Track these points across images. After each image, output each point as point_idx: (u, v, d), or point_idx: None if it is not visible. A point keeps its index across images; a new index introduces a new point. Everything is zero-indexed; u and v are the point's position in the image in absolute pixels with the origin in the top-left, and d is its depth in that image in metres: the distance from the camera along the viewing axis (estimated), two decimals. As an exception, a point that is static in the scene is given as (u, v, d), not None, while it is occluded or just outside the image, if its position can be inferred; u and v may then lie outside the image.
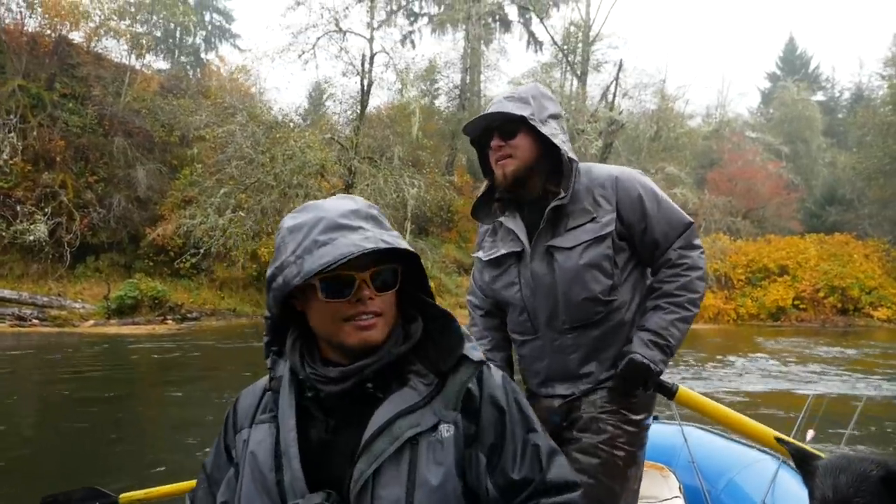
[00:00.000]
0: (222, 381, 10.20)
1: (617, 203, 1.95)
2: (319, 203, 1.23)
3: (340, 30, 20.44)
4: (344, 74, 20.70)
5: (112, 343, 14.80)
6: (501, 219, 2.03)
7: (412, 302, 1.28)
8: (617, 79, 27.91)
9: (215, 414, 7.37)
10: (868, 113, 34.20)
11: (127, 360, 12.81)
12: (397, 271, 1.20)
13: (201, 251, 18.57)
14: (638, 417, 1.95)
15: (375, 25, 21.56)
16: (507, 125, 1.95)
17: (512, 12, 38.23)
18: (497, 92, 31.98)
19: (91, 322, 17.89)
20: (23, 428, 7.04)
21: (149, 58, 28.71)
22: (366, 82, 20.02)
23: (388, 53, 21.39)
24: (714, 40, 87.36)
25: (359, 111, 21.09)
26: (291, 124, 20.24)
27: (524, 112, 1.92)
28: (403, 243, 1.18)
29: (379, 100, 22.50)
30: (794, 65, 53.21)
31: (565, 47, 31.42)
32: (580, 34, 31.56)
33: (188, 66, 37.84)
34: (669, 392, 1.92)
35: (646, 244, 1.97)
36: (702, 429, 3.52)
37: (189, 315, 19.79)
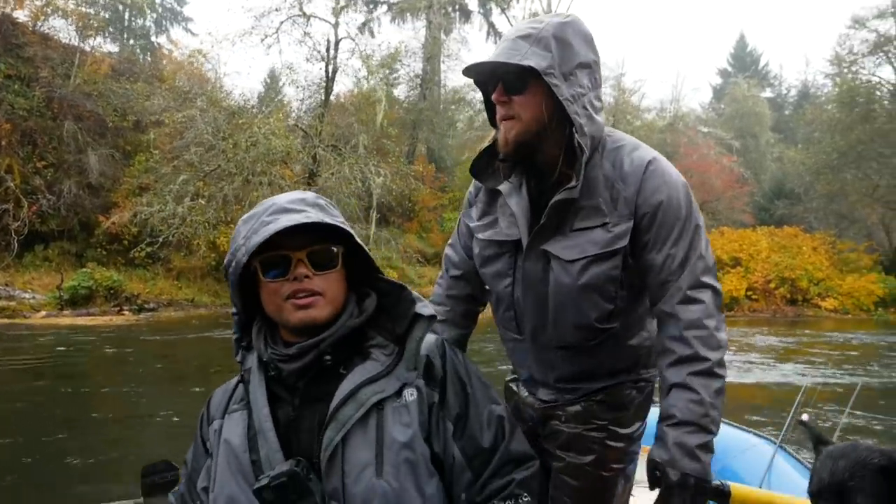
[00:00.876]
0: (183, 374, 9.87)
1: (637, 207, 1.50)
2: (274, 197, 1.30)
3: (304, 14, 19.99)
4: (307, 60, 20.29)
5: (65, 335, 14.22)
6: (502, 187, 1.62)
7: (366, 281, 1.32)
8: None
9: (177, 408, 7.14)
10: (816, 110, 35.36)
11: (82, 352, 12.32)
12: (337, 252, 1.24)
13: (159, 240, 17.98)
14: (627, 431, 1.66)
15: (339, 9, 21.20)
16: (515, 75, 1.48)
17: (472, 2, 38.27)
18: (460, 81, 31.95)
19: (43, 313, 17.17)
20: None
21: (97, 40, 27.70)
22: (330, 68, 19.62)
23: (353, 39, 21.06)
24: (669, 36, 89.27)
25: (321, 98, 20.70)
26: (254, 110, 19.69)
27: (540, 61, 1.43)
28: (340, 224, 1.22)
29: (342, 87, 22.06)
30: (744, 62, 54.63)
31: (527, 39, 31.39)
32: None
33: (138, 50, 36.66)
34: (724, 496, 1.58)
35: (644, 262, 1.54)
36: None
37: (146, 306, 19.20)
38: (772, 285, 27.23)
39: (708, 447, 1.42)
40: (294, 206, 1.22)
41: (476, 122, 34.08)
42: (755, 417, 7.23)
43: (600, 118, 1.54)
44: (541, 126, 1.50)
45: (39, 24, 24.54)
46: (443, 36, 34.20)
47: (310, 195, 1.28)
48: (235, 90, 22.90)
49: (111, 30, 34.88)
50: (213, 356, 12.07)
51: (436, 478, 1.20)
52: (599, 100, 1.55)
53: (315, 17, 20.35)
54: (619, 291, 1.55)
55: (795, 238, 30.00)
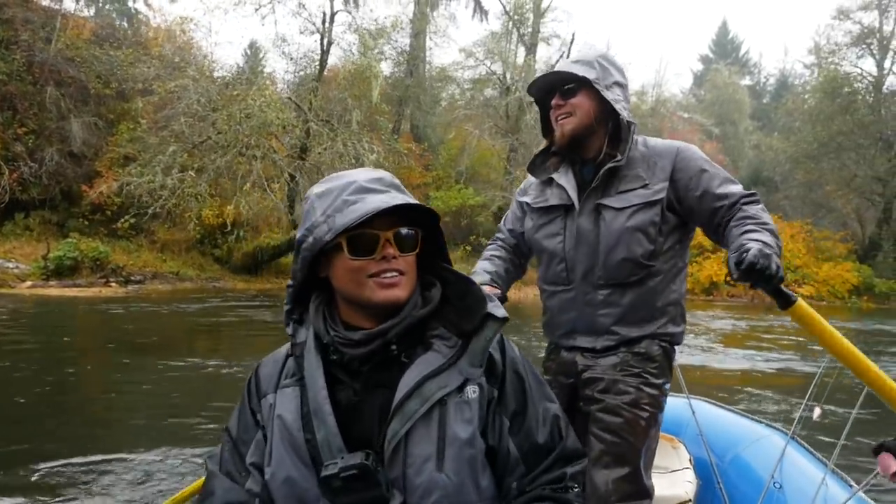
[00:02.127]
0: (179, 349, 9.70)
1: (673, 173, 2.00)
2: (346, 172, 1.29)
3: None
4: (301, 32, 19.89)
5: (57, 306, 13.98)
6: (554, 175, 2.12)
7: (429, 269, 1.33)
8: (569, 52, 28.06)
9: (177, 387, 7.06)
10: (797, 100, 35.86)
11: (77, 324, 12.14)
12: (418, 234, 1.25)
13: (148, 212, 17.65)
14: (658, 381, 2.01)
15: None
16: (569, 85, 2.03)
17: (459, -21, 37.82)
18: (447, 59, 31.61)
19: (28, 283, 16.81)
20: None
21: (70, 3, 26.80)
22: (325, 41, 19.29)
23: (349, 12, 20.69)
24: (653, 20, 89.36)
25: (313, 71, 20.36)
26: (247, 81, 19.28)
27: (588, 74, 1.99)
28: (430, 208, 1.25)
29: (334, 60, 21.70)
30: (725, 49, 55.14)
31: (515, 17, 31.31)
32: (531, 4, 31.52)
33: (114, 15, 35.63)
34: (788, 300, 1.62)
35: (704, 210, 1.99)
36: (710, 402, 3.52)
37: (132, 278, 18.90)
38: (751, 271, 27.69)
39: (779, 266, 1.65)
40: (375, 186, 1.22)
41: (460, 101, 33.99)
42: (761, 406, 7.38)
43: (631, 119, 2.05)
44: (590, 121, 2.02)
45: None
46: (430, 12, 33.79)
47: (386, 175, 1.29)
48: (228, 60, 22.37)
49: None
50: (221, 333, 11.98)
51: (489, 470, 1.23)
52: (627, 109, 2.06)
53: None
54: (658, 236, 2.00)
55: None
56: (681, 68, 79.44)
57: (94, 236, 20.91)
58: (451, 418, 1.18)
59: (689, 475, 2.79)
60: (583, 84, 2.00)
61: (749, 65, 56.13)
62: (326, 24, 19.52)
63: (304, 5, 19.69)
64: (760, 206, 1.93)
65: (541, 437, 1.28)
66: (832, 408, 5.51)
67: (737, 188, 1.99)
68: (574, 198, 2.05)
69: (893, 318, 21.59)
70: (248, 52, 36.17)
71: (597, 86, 1.98)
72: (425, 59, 34.05)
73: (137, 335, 10.81)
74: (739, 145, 45.10)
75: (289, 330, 1.31)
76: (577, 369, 2.07)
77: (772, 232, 1.79)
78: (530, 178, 2.28)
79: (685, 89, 53.74)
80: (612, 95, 1.99)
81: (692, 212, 2.02)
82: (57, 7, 24.04)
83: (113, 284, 17.94)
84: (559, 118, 2.05)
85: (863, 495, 2.40)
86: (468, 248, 25.15)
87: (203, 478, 1.40)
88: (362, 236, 1.20)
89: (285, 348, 1.34)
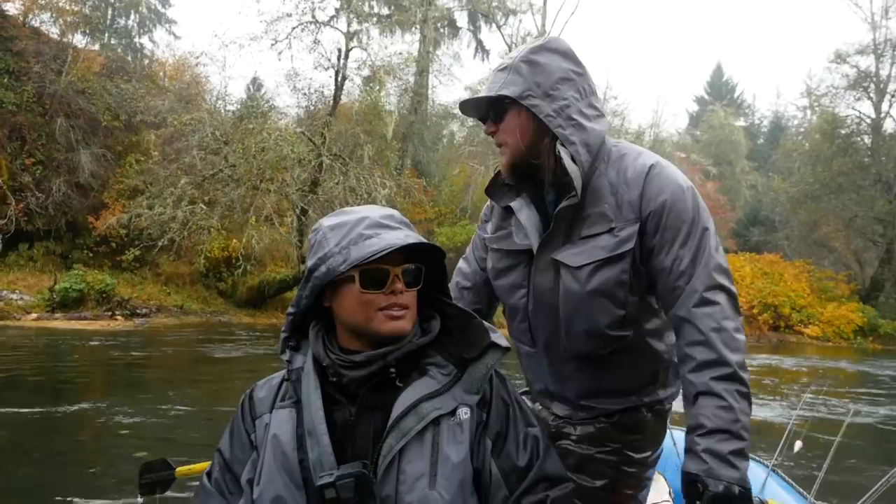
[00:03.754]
0: (189, 388, 9.43)
1: (641, 208, 1.52)
2: (357, 208, 1.33)
3: (317, 21, 19.77)
4: (315, 68, 20.00)
5: (65, 339, 13.68)
6: (513, 204, 1.66)
7: (429, 302, 1.37)
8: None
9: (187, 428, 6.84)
10: (797, 141, 36.37)
11: (89, 359, 11.83)
12: (422, 270, 1.30)
13: (158, 244, 17.48)
14: (641, 456, 1.65)
15: (325, 19, 20.95)
16: (496, 105, 1.60)
17: (461, 19, 38.43)
18: (451, 97, 31.97)
19: (34, 315, 16.51)
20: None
21: (78, 37, 26.94)
22: (339, 76, 19.40)
23: (364, 49, 20.90)
24: (650, 61, 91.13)
25: (325, 105, 20.42)
26: (262, 115, 19.32)
27: (512, 90, 1.54)
28: (439, 246, 1.31)
29: (347, 96, 21.77)
30: (720, 90, 56.04)
31: (521, 58, 31.68)
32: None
33: (119, 49, 35.90)
34: None
35: (654, 267, 1.54)
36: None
37: (138, 311, 18.61)
38: (755, 311, 27.73)
39: (743, 454, 1.37)
40: (389, 223, 1.28)
41: (459, 136, 34.16)
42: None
43: (596, 124, 1.57)
44: (527, 145, 1.57)
45: (31, 17, 23.90)
46: (434, 51, 34.23)
47: (396, 212, 1.34)
48: (241, 94, 22.43)
49: (90, 29, 34.18)
50: (231, 371, 11.74)
51: (475, 495, 1.24)
52: (593, 107, 1.58)
53: (328, 24, 20.12)
54: (630, 297, 1.54)
55: (776, 265, 30.66)
56: (677, 109, 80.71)
57: (98, 268, 20.66)
58: (445, 439, 1.21)
59: None
60: (509, 102, 1.56)
61: (743, 106, 57.02)
62: (341, 60, 19.66)
63: (319, 41, 19.91)
64: (720, 308, 1.44)
65: (521, 460, 1.28)
66: (817, 434, 5.39)
67: (699, 272, 1.47)
68: (534, 244, 1.61)
69: (900, 359, 21.56)
70: (251, 87, 36.46)
71: (527, 101, 1.53)
72: (428, 97, 34.43)
73: (148, 370, 10.56)
74: (736, 185, 45.53)
75: (285, 356, 1.34)
76: (549, 428, 1.72)
77: (734, 379, 1.39)
78: (489, 203, 1.83)
79: (681, 129, 54.53)
80: (551, 107, 1.52)
81: (647, 277, 1.56)
82: (68, 40, 24.16)
83: (119, 318, 17.65)
84: (497, 146, 1.64)
85: None
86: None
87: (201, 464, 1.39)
88: (375, 271, 1.24)
89: (280, 374, 1.37)
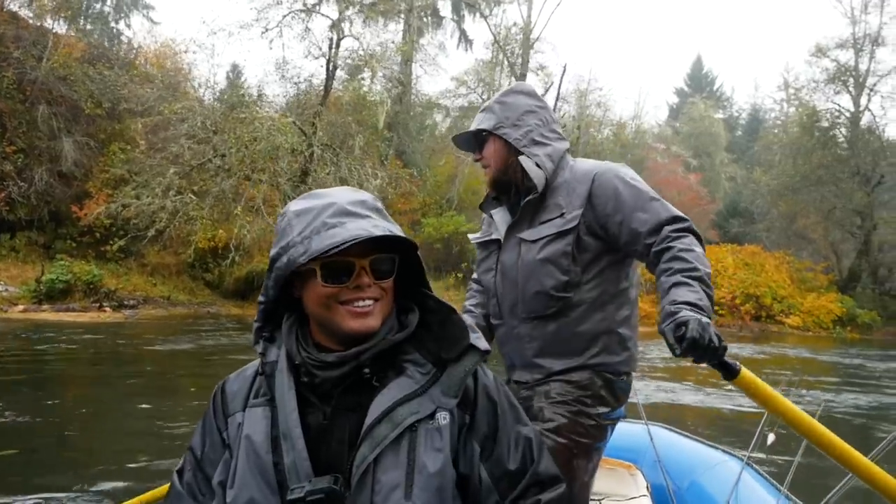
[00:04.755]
0: (188, 383, 9.37)
1: (589, 198, 1.95)
2: (327, 191, 1.25)
3: (308, 9, 19.48)
4: (306, 56, 19.75)
5: (57, 332, 13.44)
6: (493, 211, 2.14)
7: (409, 294, 1.29)
8: (560, 83, 28.45)
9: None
10: (778, 134, 36.85)
11: (84, 352, 11.66)
12: (395, 261, 1.22)
13: (148, 234, 17.22)
14: (588, 410, 1.90)
15: (311, 4, 20.63)
16: (478, 137, 2.11)
17: (444, 9, 38.26)
18: (437, 87, 31.81)
19: (20, 307, 16.20)
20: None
21: (58, 23, 26.31)
22: (331, 65, 19.17)
23: (356, 38, 20.68)
24: (631, 53, 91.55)
25: (316, 95, 20.21)
26: (263, 103, 19.06)
27: (487, 124, 2.06)
28: (408, 238, 1.20)
29: (336, 85, 21.50)
30: (700, 83, 56.45)
31: (507, 48, 31.71)
32: (520, 35, 31.97)
33: (96, 35, 35.14)
34: (732, 371, 1.58)
35: (627, 234, 1.89)
36: (668, 429, 3.59)
37: (126, 302, 18.35)
38: (738, 301, 28.13)
39: (709, 317, 1.60)
40: (357, 210, 1.19)
41: (443, 126, 34.12)
42: (719, 433, 7.31)
43: (556, 143, 2.06)
44: (502, 164, 2.05)
45: (9, 1, 23.28)
46: (416, 39, 34.03)
47: (368, 197, 1.25)
48: (224, 83, 22.10)
49: (71, 14, 33.41)
50: (222, 362, 11.64)
51: (459, 501, 1.20)
52: (554, 131, 2.07)
53: (318, 12, 19.86)
54: (572, 266, 1.94)
55: (757, 256, 31.11)
56: (658, 101, 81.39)
57: (82, 259, 20.31)
58: (422, 446, 1.15)
59: (646, 502, 2.82)
60: (488, 133, 2.06)
61: (722, 99, 57.57)
62: (332, 49, 19.44)
63: (310, 30, 19.66)
64: (689, 238, 1.80)
65: (512, 463, 1.23)
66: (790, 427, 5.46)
67: (660, 213, 1.86)
68: (502, 233, 2.08)
69: (877, 348, 22.05)
70: (231, 74, 35.93)
71: (499, 131, 2.03)
72: (412, 87, 34.26)
73: (147, 364, 10.43)
74: (716, 177, 46.02)
75: (258, 348, 1.27)
76: (520, 401, 1.96)
77: (703, 280, 1.69)
78: (484, 216, 2.30)
79: (662, 121, 54.94)
80: (517, 133, 2.02)
81: (618, 239, 1.92)
82: (48, 26, 23.61)
83: (107, 309, 17.38)
84: (483, 168, 2.13)
85: None
86: (459, 275, 25.04)
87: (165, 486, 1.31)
88: (337, 263, 1.16)
89: (253, 366, 1.29)
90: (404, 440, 1.14)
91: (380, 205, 1.25)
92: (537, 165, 1.99)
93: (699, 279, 1.69)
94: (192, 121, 17.59)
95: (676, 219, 1.85)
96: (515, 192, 2.08)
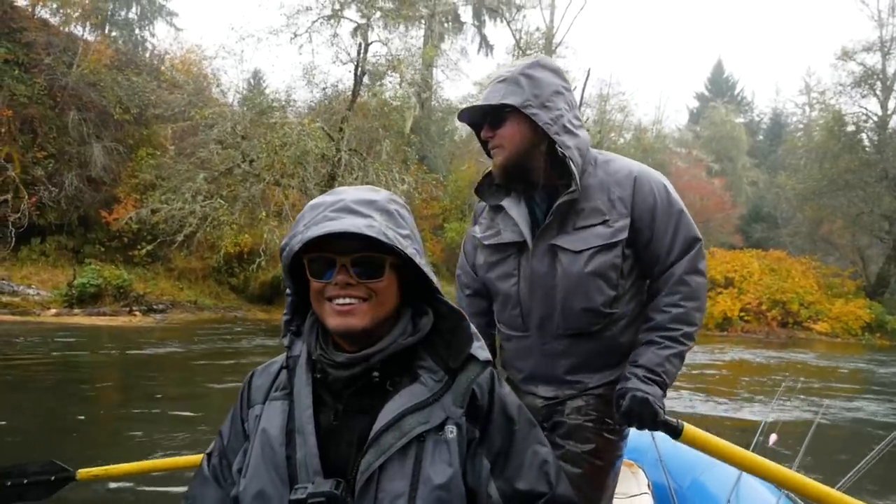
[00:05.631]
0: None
1: (632, 207, 1.80)
2: (347, 188, 1.24)
3: (337, 14, 19.56)
4: (334, 62, 19.82)
5: (97, 336, 13.53)
6: (504, 202, 1.89)
7: (425, 297, 1.27)
8: (584, 89, 28.36)
9: None
10: (802, 139, 36.46)
11: (128, 357, 11.70)
12: (384, 262, 1.17)
13: (178, 238, 17.34)
14: (620, 427, 1.87)
15: (338, 7, 20.65)
16: (496, 112, 1.81)
17: (465, 14, 38.30)
18: (459, 92, 31.88)
19: (53, 311, 16.34)
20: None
21: (80, 29, 26.62)
22: (359, 70, 19.23)
23: (384, 43, 20.74)
24: (651, 57, 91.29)
25: (343, 100, 20.29)
26: (288, 109, 19.15)
27: (513, 99, 1.76)
28: (400, 242, 1.15)
29: (362, 91, 21.55)
30: (721, 87, 56.07)
31: (529, 52, 31.66)
32: (542, 40, 31.94)
33: (121, 42, 35.55)
34: (675, 431, 1.75)
35: (648, 255, 1.83)
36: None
37: (155, 307, 18.46)
38: (764, 307, 27.82)
39: (660, 386, 1.72)
40: (359, 209, 1.16)
41: (463, 132, 34.13)
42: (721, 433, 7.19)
43: (583, 133, 1.83)
44: (523, 150, 1.79)
45: (39, 8, 23.59)
46: (438, 45, 34.08)
47: (383, 197, 1.22)
48: (245, 89, 22.18)
49: (100, 20, 33.83)
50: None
51: None
52: (578, 118, 1.84)
53: (343, 17, 19.92)
54: (620, 280, 1.81)
55: (783, 262, 30.78)
56: (679, 105, 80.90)
57: (110, 263, 20.47)
58: (428, 458, 1.13)
59: (647, 500, 2.82)
60: (510, 109, 1.77)
61: (743, 103, 57.12)
62: (361, 54, 19.50)
63: (338, 35, 19.75)
64: (695, 282, 1.80)
65: (525, 483, 1.20)
66: (791, 429, 5.28)
67: (680, 240, 1.81)
68: (527, 235, 1.83)
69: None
70: (252, 80, 36.16)
71: (528, 110, 1.75)
72: (433, 91, 34.29)
73: (195, 367, 10.46)
74: (738, 182, 45.66)
75: (285, 341, 1.28)
76: (539, 413, 1.87)
77: (678, 340, 1.76)
78: (481, 204, 2.04)
79: (682, 126, 54.59)
80: (548, 116, 1.75)
81: (640, 250, 1.85)
82: (77, 32, 23.91)
83: (137, 313, 17.50)
84: (491, 149, 1.85)
85: None
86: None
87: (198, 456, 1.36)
88: (321, 258, 1.17)
89: (280, 359, 1.30)
90: (411, 450, 1.13)
91: (394, 207, 1.21)
92: (569, 159, 1.76)
93: (676, 341, 1.75)
94: (223, 126, 17.68)
95: (695, 241, 1.82)
96: (531, 186, 1.84)
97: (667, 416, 1.73)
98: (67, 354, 10.96)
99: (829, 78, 35.09)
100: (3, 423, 6.16)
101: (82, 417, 6.60)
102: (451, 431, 1.16)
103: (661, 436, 3.20)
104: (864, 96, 32.17)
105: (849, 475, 2.56)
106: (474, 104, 1.85)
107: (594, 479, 1.80)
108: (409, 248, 1.16)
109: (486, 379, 1.24)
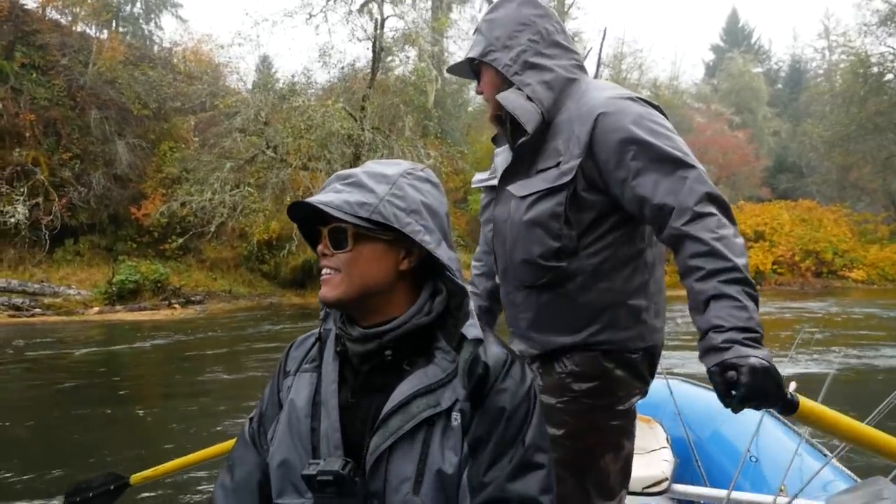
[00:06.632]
0: None
1: (591, 145, 1.53)
2: (373, 163, 1.24)
3: (350, -8, 19.30)
4: (350, 40, 19.60)
5: (145, 332, 13.67)
6: (497, 150, 1.86)
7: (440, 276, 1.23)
8: (601, 50, 27.85)
9: None
10: (825, 84, 35.67)
11: (184, 352, 11.82)
12: (348, 232, 1.14)
13: (211, 229, 17.44)
14: (603, 402, 1.62)
15: None
16: (474, 66, 1.73)
17: (473, -19, 37.68)
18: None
19: (96, 309, 16.56)
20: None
21: (95, 27, 26.57)
22: (378, 46, 19.00)
23: (401, 17, 20.43)
24: (663, 11, 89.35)
25: (362, 79, 20.12)
26: (311, 91, 19.04)
27: (474, 51, 1.67)
28: (396, 217, 1.13)
29: (381, 67, 21.35)
30: (737, 37, 54.76)
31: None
32: (554, 2, 31.41)
33: (128, 37, 35.55)
34: (791, 405, 1.38)
35: (630, 201, 1.52)
36: (687, 381, 3.60)
37: (192, 298, 18.64)
38: (797, 258, 27.49)
39: (763, 346, 1.33)
40: (362, 181, 1.15)
41: (476, 103, 33.72)
42: None
43: (560, 61, 1.65)
44: (496, 98, 1.64)
45: (49, 10, 23.56)
46: (451, 17, 33.64)
47: (397, 170, 1.20)
48: (280, 72, 22.09)
49: (110, 16, 33.79)
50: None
51: (468, 502, 1.13)
52: (557, 45, 1.66)
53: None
54: (565, 230, 1.56)
55: (814, 211, 30.32)
56: (695, 59, 79.29)
57: (143, 258, 20.69)
58: (436, 442, 1.11)
59: (667, 454, 2.76)
60: (480, 61, 1.68)
61: (760, 52, 55.85)
62: (377, 30, 19.27)
63: (353, 11, 19.46)
64: (716, 217, 1.42)
65: (487, 477, 1.12)
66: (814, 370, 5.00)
67: (681, 183, 1.46)
68: (498, 178, 1.73)
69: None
70: (262, 66, 35.98)
71: (489, 58, 1.64)
72: (446, 63, 33.93)
73: (256, 350, 10.55)
74: (759, 133, 44.87)
75: (322, 313, 1.29)
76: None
77: (745, 281, 1.37)
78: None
79: (698, 80, 53.58)
80: (507, 56, 1.62)
81: (620, 201, 1.55)
82: (90, 31, 23.90)
83: (176, 306, 17.68)
84: (486, 102, 1.76)
85: (836, 463, 2.49)
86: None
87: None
88: (311, 229, 1.21)
89: (317, 332, 1.31)
90: (420, 433, 1.12)
91: (405, 181, 1.18)
92: (528, 98, 1.60)
93: (740, 280, 1.36)
94: (245, 113, 17.62)
95: (710, 197, 1.45)
96: (513, 132, 1.70)
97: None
98: (140, 349, 11.10)
99: (851, 19, 34.11)
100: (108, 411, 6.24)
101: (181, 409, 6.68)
102: (455, 419, 1.13)
103: (679, 390, 3.20)
104: (890, 35, 31.31)
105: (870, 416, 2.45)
106: (454, 64, 1.80)
107: (579, 463, 1.60)
108: (415, 226, 1.15)
109: (501, 361, 1.18)
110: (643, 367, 1.67)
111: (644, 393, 1.71)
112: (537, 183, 1.59)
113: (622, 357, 1.63)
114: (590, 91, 1.61)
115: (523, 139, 1.61)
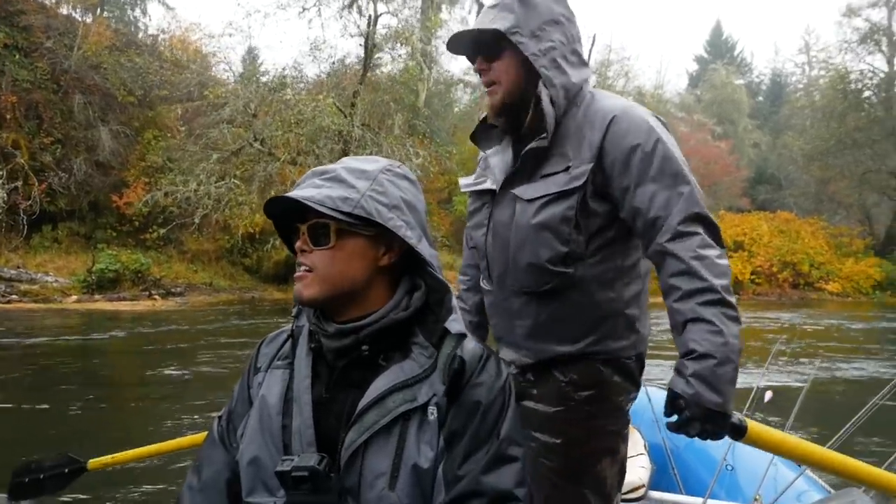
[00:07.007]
0: None
1: (601, 150, 1.52)
2: (350, 158, 1.23)
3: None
4: (342, 35, 19.48)
5: (124, 322, 13.47)
6: (489, 151, 1.73)
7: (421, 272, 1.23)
8: (590, 56, 28.01)
9: None
10: (804, 98, 36.27)
11: (166, 343, 11.69)
12: (330, 228, 1.13)
13: (195, 220, 17.23)
14: (603, 410, 1.63)
15: None
16: (491, 42, 1.58)
17: (462, -17, 37.72)
18: (457, 67, 31.56)
19: (74, 297, 16.28)
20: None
21: (80, 11, 26.14)
22: (370, 43, 18.91)
23: (394, 15, 20.37)
24: (650, 21, 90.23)
25: (351, 75, 20.02)
26: (301, 85, 18.89)
27: (501, 24, 1.53)
28: (379, 213, 1.13)
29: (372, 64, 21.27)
30: (720, 49, 55.46)
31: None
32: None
33: (113, 23, 35.04)
34: (740, 431, 1.45)
35: (626, 210, 1.54)
36: (665, 388, 3.63)
37: (172, 290, 18.40)
38: (775, 269, 27.91)
39: (732, 380, 1.38)
40: (346, 178, 1.14)
41: (464, 102, 33.75)
42: None
43: (577, 71, 1.59)
44: (520, 87, 1.58)
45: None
46: (440, 17, 33.61)
47: (377, 166, 1.19)
48: (265, 65, 21.85)
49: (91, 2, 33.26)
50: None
51: (443, 496, 1.13)
52: (577, 54, 1.60)
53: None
54: (574, 234, 1.55)
55: (792, 223, 30.80)
56: (679, 69, 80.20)
57: (122, 247, 20.37)
58: (412, 438, 1.11)
59: (644, 461, 2.78)
60: (504, 39, 1.54)
61: (743, 65, 56.59)
62: (370, 27, 19.18)
63: (346, 6, 19.36)
64: (699, 236, 1.43)
65: (462, 470, 1.11)
66: (788, 382, 5.12)
67: (676, 201, 1.46)
68: (499, 182, 1.66)
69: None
70: (247, 58, 35.66)
71: (515, 38, 1.52)
72: (435, 63, 33.90)
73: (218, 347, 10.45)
74: (740, 144, 45.46)
75: (294, 310, 1.27)
76: (517, 377, 1.70)
77: (723, 302, 1.38)
78: (481, 153, 1.84)
79: (682, 90, 54.13)
80: (537, 47, 1.53)
81: (619, 209, 1.56)
82: (76, 14, 23.48)
83: (157, 297, 17.44)
84: (486, 87, 1.63)
85: (811, 474, 2.51)
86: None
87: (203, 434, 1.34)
88: (287, 226, 1.19)
89: (289, 328, 1.30)
90: (396, 428, 1.11)
91: (385, 177, 1.17)
92: (551, 101, 1.54)
93: (717, 302, 1.38)
94: (234, 105, 17.43)
95: (697, 217, 1.45)
96: (518, 129, 1.63)
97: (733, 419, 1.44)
98: (118, 339, 10.93)
99: (830, 36, 34.90)
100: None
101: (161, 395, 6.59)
102: (431, 413, 1.13)
103: (656, 396, 3.20)
104: (870, 53, 32.00)
105: (838, 434, 2.58)
106: (465, 31, 1.63)
107: (577, 471, 1.60)
108: (397, 221, 1.15)
109: (476, 356, 1.18)
110: (637, 372, 1.69)
111: (635, 396, 1.72)
112: (546, 186, 1.56)
113: (619, 363, 1.64)
114: (601, 99, 1.60)
115: (535, 144, 1.56)
